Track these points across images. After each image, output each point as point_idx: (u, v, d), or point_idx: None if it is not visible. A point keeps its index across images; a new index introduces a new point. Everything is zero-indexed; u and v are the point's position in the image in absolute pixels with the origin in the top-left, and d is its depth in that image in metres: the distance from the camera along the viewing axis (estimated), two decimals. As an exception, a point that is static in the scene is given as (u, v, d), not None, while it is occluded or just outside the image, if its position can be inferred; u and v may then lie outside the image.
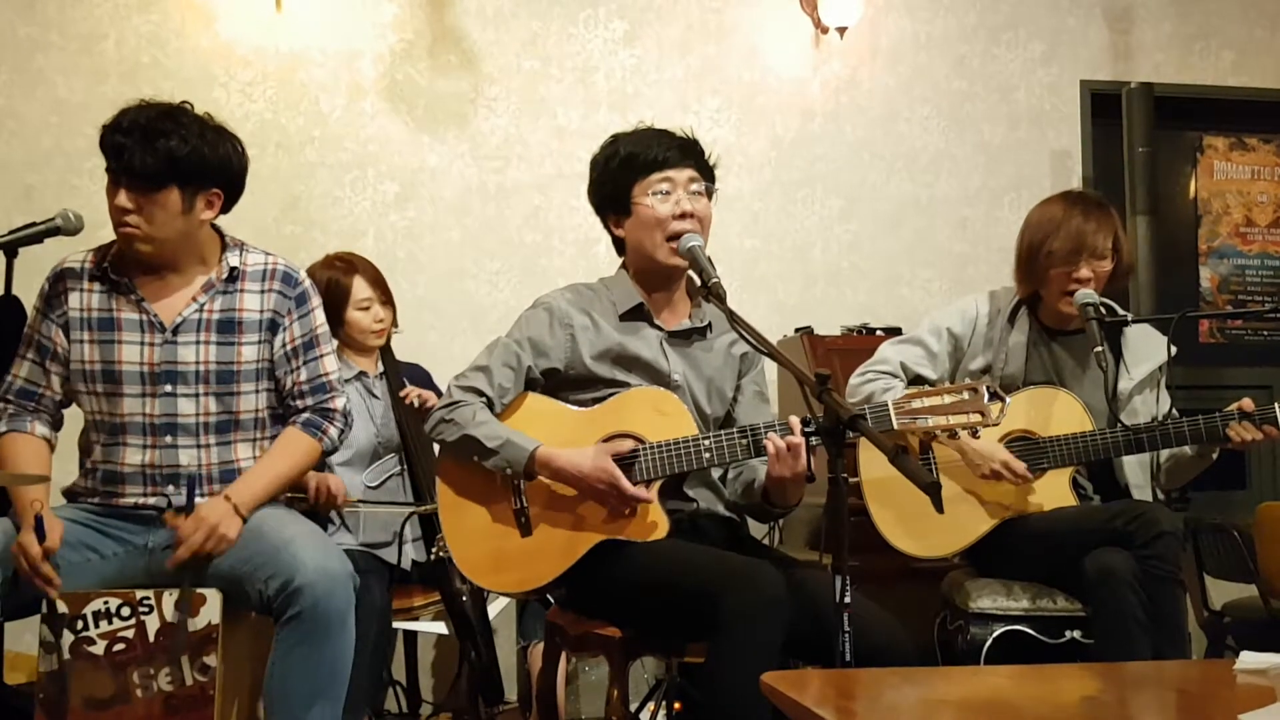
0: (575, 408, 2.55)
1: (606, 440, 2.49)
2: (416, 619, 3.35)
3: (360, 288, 3.36)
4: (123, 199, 2.41)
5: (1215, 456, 2.96)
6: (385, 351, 3.46)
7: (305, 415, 2.59)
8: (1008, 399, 2.36)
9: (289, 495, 2.76)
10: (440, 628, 3.28)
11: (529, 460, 2.43)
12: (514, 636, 3.69)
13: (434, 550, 3.12)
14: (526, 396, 2.56)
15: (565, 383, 2.57)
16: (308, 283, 2.63)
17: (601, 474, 2.39)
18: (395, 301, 3.47)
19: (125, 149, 2.38)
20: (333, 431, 2.61)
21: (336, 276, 3.34)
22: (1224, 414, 2.83)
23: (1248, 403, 2.83)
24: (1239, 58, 4.87)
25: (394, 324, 3.47)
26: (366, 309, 3.36)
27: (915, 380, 3.03)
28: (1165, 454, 3.01)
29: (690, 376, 2.60)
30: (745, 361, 2.69)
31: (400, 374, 3.45)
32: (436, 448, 2.62)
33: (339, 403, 2.64)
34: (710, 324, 2.64)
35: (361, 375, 3.39)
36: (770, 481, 2.43)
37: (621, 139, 2.61)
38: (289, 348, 2.58)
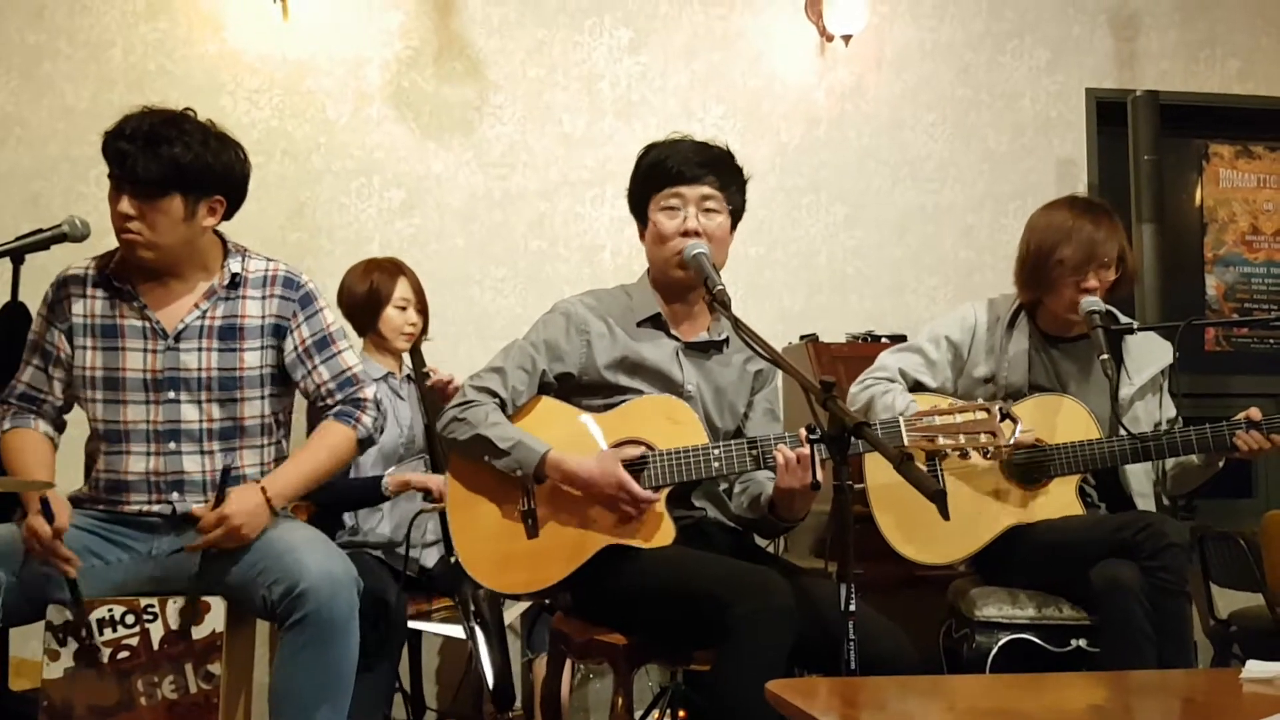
0: (587, 413, 2.56)
1: (617, 446, 2.50)
2: (431, 620, 3.36)
3: (403, 288, 3.52)
4: (125, 205, 2.41)
5: (1222, 465, 2.95)
6: (416, 354, 3.56)
7: (339, 408, 2.59)
8: (1020, 422, 2.36)
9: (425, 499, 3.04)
10: (455, 630, 3.29)
11: (540, 463, 2.44)
12: (521, 648, 3.69)
13: (454, 553, 3.13)
14: (539, 400, 2.58)
15: (579, 388, 2.58)
16: (310, 285, 2.63)
17: (610, 478, 2.40)
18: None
19: (128, 156, 2.38)
20: (366, 419, 2.59)
21: (381, 279, 3.50)
22: (1231, 423, 2.83)
23: (1255, 412, 2.83)
24: (1245, 65, 4.86)
25: (424, 332, 3.60)
26: (403, 309, 3.51)
27: (915, 387, 3.04)
28: (1171, 462, 3.00)
29: (704, 388, 2.60)
30: (759, 379, 2.70)
31: (430, 379, 3.54)
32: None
33: (368, 392, 2.62)
34: (728, 339, 2.65)
35: (388, 376, 3.50)
36: (778, 493, 2.43)
37: (653, 149, 2.64)
38: (301, 350, 2.58)
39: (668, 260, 2.56)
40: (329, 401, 2.60)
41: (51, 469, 2.51)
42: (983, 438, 2.34)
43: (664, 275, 2.60)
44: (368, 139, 4.27)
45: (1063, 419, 2.94)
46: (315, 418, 2.67)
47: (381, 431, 2.66)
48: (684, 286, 2.60)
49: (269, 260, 2.61)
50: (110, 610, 2.36)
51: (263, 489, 2.43)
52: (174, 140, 2.40)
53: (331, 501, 3.32)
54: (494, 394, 2.53)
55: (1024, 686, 2.02)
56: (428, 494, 3.28)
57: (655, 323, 2.61)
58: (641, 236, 2.66)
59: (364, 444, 2.61)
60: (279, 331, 2.57)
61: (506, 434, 2.47)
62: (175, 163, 2.39)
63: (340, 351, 2.62)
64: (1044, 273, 2.96)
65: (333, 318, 2.64)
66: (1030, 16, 4.73)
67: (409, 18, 4.32)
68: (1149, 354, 3.05)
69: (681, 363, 2.60)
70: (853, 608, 1.97)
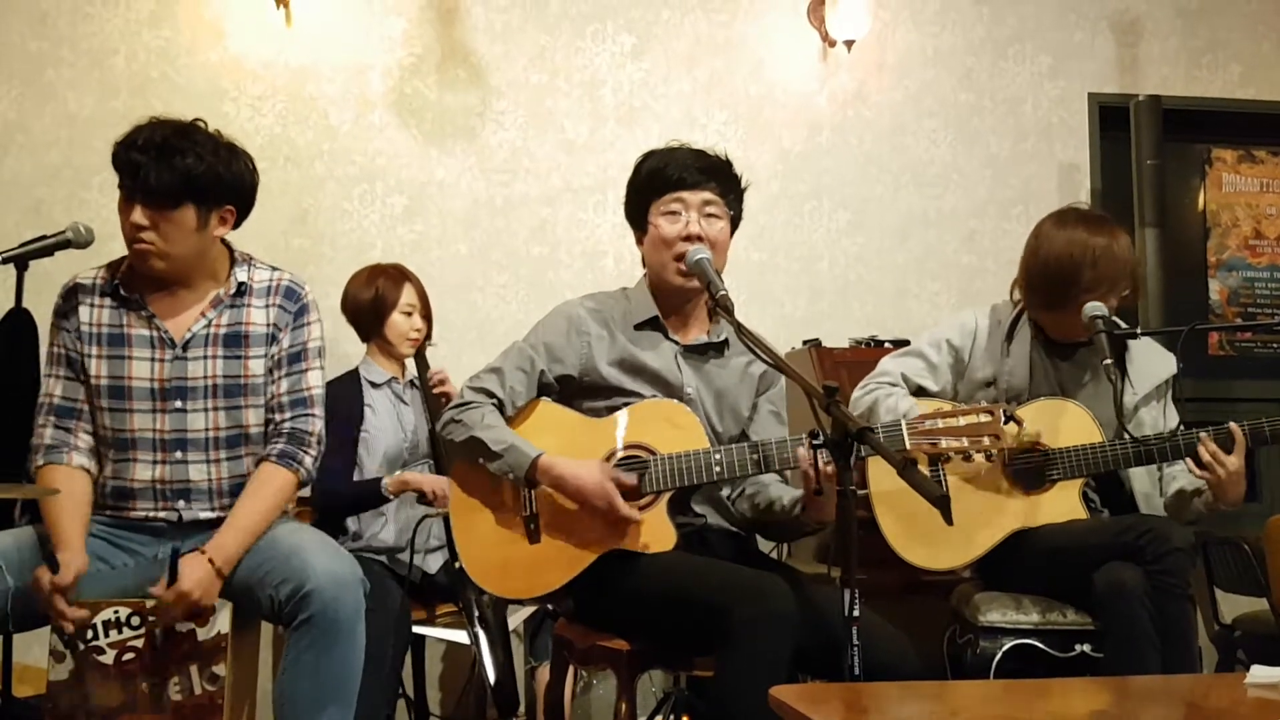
0: (588, 416, 2.55)
1: (619, 450, 2.50)
2: (434, 626, 3.37)
3: (408, 293, 3.54)
4: (138, 216, 2.41)
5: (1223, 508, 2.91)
6: (420, 360, 3.57)
7: (280, 445, 2.52)
8: (1024, 424, 2.35)
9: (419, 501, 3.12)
10: (460, 635, 3.29)
11: (531, 466, 2.43)
12: (524, 655, 3.69)
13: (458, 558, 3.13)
14: (540, 403, 2.58)
15: (579, 390, 2.58)
16: (310, 298, 2.63)
17: (599, 490, 2.40)
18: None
19: (142, 167, 2.38)
20: (308, 461, 2.54)
21: (386, 285, 3.52)
22: (1217, 429, 2.81)
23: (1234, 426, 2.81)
24: (1247, 70, 4.87)
25: (428, 337, 3.61)
26: (409, 314, 3.52)
27: (917, 392, 3.03)
28: (1170, 494, 2.96)
29: (703, 391, 2.60)
30: (764, 381, 2.69)
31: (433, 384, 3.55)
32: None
33: (315, 426, 2.56)
34: (728, 341, 2.65)
35: (392, 381, 3.52)
36: (813, 500, 2.39)
37: (652, 155, 2.64)
38: (275, 358, 2.56)
39: (668, 265, 2.56)
40: (276, 418, 2.54)
41: (86, 510, 2.45)
42: (986, 439, 2.34)
43: (663, 281, 2.60)
44: (370, 145, 4.27)
45: (1066, 423, 2.93)
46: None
47: (319, 462, 2.58)
48: (684, 293, 2.60)
49: (274, 270, 2.62)
50: (116, 612, 2.36)
51: (210, 560, 2.37)
52: (186, 151, 2.40)
53: (330, 506, 3.32)
54: (491, 395, 2.53)
55: (1028, 692, 2.02)
56: (422, 496, 3.28)
57: (653, 326, 2.61)
58: (639, 244, 2.66)
59: (303, 484, 2.58)
60: (275, 340, 2.57)
61: (500, 437, 2.47)
62: (188, 173, 2.40)
63: (307, 370, 2.57)
64: (1062, 291, 2.91)
65: (318, 335, 2.61)
66: (1031, 22, 4.73)
67: (411, 24, 4.32)
68: (1152, 364, 3.05)
69: (680, 366, 2.60)
70: (856, 613, 1.97)
